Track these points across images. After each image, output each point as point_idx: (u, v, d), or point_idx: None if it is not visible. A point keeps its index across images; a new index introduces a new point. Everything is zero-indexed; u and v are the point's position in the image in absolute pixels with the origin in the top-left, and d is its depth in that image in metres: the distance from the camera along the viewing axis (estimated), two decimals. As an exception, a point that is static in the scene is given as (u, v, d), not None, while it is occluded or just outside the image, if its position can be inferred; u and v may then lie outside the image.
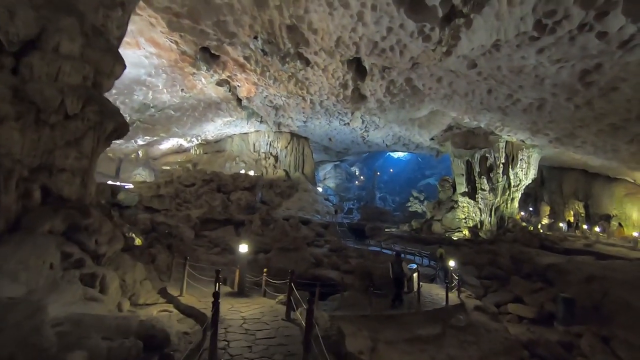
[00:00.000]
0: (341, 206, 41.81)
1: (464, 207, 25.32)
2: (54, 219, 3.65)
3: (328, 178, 59.65)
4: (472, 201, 24.72)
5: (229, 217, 23.76)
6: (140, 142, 35.09)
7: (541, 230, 25.07)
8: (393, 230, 29.27)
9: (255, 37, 18.61)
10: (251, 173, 34.34)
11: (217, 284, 4.38)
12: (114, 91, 26.06)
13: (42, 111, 3.59)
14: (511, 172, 23.61)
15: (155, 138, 35.52)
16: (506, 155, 23.71)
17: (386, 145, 40.24)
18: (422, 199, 47.25)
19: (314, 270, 16.85)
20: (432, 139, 30.54)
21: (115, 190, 13.62)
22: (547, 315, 11.73)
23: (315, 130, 37.05)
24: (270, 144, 39.59)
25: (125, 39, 21.16)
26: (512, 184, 23.58)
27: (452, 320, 8.25)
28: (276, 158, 39.23)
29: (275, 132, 38.87)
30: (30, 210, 3.66)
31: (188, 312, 5.60)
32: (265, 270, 7.45)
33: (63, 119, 3.72)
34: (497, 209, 23.93)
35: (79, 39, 3.82)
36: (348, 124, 33.01)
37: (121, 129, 4.31)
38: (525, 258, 17.33)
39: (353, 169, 67.62)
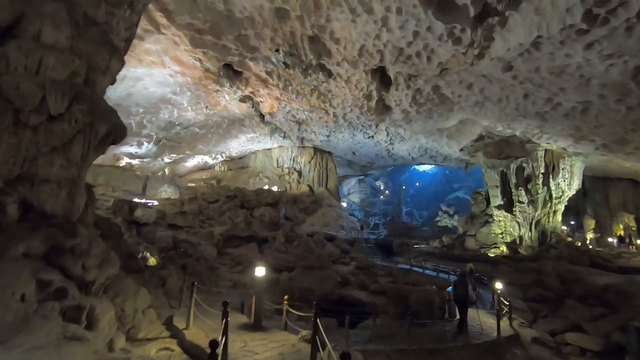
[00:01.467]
0: (367, 222, 40.55)
1: (500, 221, 23.60)
2: (32, 238, 3.07)
3: (352, 193, 58.57)
4: (509, 215, 22.99)
5: (252, 234, 23.23)
6: (166, 159, 35.69)
7: (590, 246, 22.88)
8: (422, 246, 27.74)
9: (277, 50, 18.38)
10: (275, 189, 33.96)
11: (225, 320, 3.63)
12: (140, 110, 26.69)
13: (20, 111, 3.08)
14: (552, 183, 21.82)
15: (181, 155, 36.05)
16: (546, 164, 22.01)
17: (412, 158, 38.94)
18: (451, 213, 45.21)
19: (341, 290, 15.81)
20: (461, 150, 29.14)
21: (133, 207, 13.37)
22: (616, 347, 10.07)
23: (338, 144, 36.44)
24: (293, 159, 39.28)
25: (151, 59, 21.66)
26: (554, 195, 21.77)
27: (507, 355, 6.98)
28: (300, 173, 38.79)
29: (298, 147, 38.60)
30: (3, 229, 3.12)
31: (192, 351, 4.79)
32: (286, 297, 6.51)
33: (46, 121, 3.17)
34: (537, 222, 22.09)
35: (66, 28, 3.32)
36: (372, 136, 32.20)
37: (117, 132, 3.71)
38: (575, 278, 15.54)
39: (378, 183, 66.23)
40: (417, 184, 73.57)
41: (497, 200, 24.19)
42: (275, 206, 28.63)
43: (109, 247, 6.06)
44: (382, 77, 20.11)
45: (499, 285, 9.50)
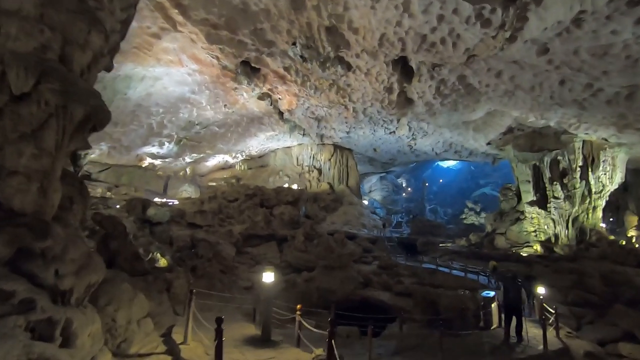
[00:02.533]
0: (389, 219, 39.51)
1: (532, 218, 22.13)
2: (-8, 241, 2.69)
3: (374, 190, 57.47)
4: (542, 211, 21.50)
5: (271, 233, 22.86)
6: (187, 159, 35.98)
7: (636, 245, 21.07)
8: (448, 245, 26.55)
9: (294, 44, 17.83)
10: (294, 187, 33.57)
11: (218, 341, 3.08)
12: (160, 110, 26.84)
13: (-24, 90, 2.69)
14: (591, 177, 20.18)
15: (201, 155, 36.26)
16: (584, 157, 20.38)
17: (436, 153, 37.57)
18: (478, 210, 43.40)
19: (363, 291, 15.15)
20: (488, 143, 27.68)
21: (146, 205, 13.22)
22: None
23: (359, 140, 35.61)
24: (313, 157, 38.75)
25: (169, 57, 21.61)
26: (594, 190, 20.13)
27: (557, 373, 6.06)
28: (320, 171, 38.22)
29: (318, 144, 38.03)
30: (-43, 231, 2.74)
31: (187, 373, 4.31)
32: (298, 307, 5.79)
33: (11, 102, 2.71)
34: (575, 219, 20.51)
35: (32, -7, 2.93)
36: (394, 132, 31.19)
37: (97, 117, 3.20)
38: (621, 279, 14.17)
39: (400, 180, 64.73)
40: (441, 180, 71.46)
41: (529, 196, 22.70)
42: (295, 204, 28.19)
43: (112, 248, 5.65)
44: (403, 68, 19.17)
45: (541, 290, 8.50)
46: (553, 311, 8.10)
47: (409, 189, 64.45)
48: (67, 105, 2.72)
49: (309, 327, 5.65)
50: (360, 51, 17.62)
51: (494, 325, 7.48)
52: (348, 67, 19.63)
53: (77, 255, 2.93)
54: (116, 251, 5.71)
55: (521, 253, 20.79)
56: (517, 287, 7.43)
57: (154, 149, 31.55)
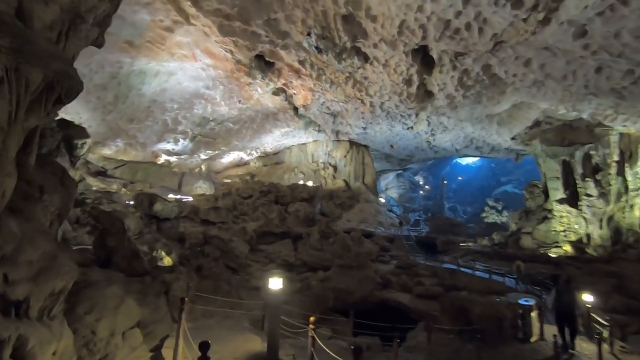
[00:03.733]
0: (407, 217, 38.47)
1: (562, 217, 20.81)
2: None
3: (390, 188, 56.36)
4: (573, 210, 20.15)
5: (286, 230, 22.36)
6: (203, 156, 35.93)
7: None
8: (470, 244, 25.43)
9: (309, 34, 17.15)
10: (310, 184, 32.99)
11: None
12: (175, 106, 26.69)
13: None
14: (629, 173, 18.71)
15: (216, 152, 36.15)
16: (621, 151, 18.90)
17: (456, 149, 36.26)
18: (499, 208, 41.79)
19: (381, 292, 14.42)
20: (513, 138, 26.33)
21: (152, 200, 12.85)
22: None
23: (375, 137, 34.72)
24: (328, 154, 38.09)
25: (182, 52, 21.31)
26: (631, 187, 18.68)
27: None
28: (335, 168, 37.53)
29: (333, 141, 37.34)
30: None
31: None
32: (312, 319, 4.98)
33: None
34: (610, 218, 19.12)
35: None
36: (412, 127, 30.17)
37: (62, 84, 2.63)
38: (666, 284, 12.95)
39: (417, 177, 63.32)
40: (460, 177, 69.58)
41: (558, 193, 21.36)
42: (310, 201, 27.62)
43: (109, 245, 5.13)
44: (424, 58, 18.23)
45: (588, 298, 7.51)
46: (606, 322, 7.10)
47: (427, 186, 62.98)
48: (20, 68, 2.18)
49: (324, 347, 4.88)
50: (378, 41, 16.80)
51: (534, 337, 6.63)
52: (365, 58, 18.83)
53: (36, 256, 2.39)
54: (113, 249, 5.22)
55: (550, 254, 19.57)
56: (570, 291, 6.53)
57: (169, 146, 31.56)
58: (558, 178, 21.49)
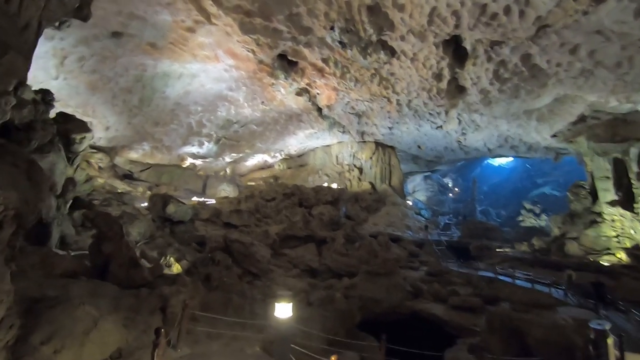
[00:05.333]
0: (436, 221, 36.73)
1: (614, 220, 18.79)
2: None
3: (418, 191, 54.50)
4: (627, 213, 18.12)
5: (310, 234, 21.58)
6: (227, 159, 35.94)
7: None
8: (507, 250, 23.63)
9: (332, 28, 16.41)
10: (334, 186, 32.13)
11: None
12: (199, 108, 26.69)
13: None
14: (693, 171, 16.64)
15: (241, 155, 36.07)
16: (684, 147, 16.88)
17: (488, 149, 34.23)
18: (537, 212, 39.16)
19: (412, 302, 13.31)
20: (554, 135, 24.32)
21: (166, 201, 12.38)
22: None
23: (402, 137, 33.41)
24: (353, 156, 37.11)
25: (205, 53, 21.11)
26: (697, 187, 16.57)
27: None
28: (360, 170, 36.49)
29: (358, 142, 36.36)
30: None
31: None
32: (333, 358, 4.05)
33: None
34: (671, 223, 17.03)
35: None
36: (441, 126, 28.73)
37: None
38: None
39: (446, 180, 61.00)
40: (493, 179, 66.43)
41: (608, 194, 19.34)
42: (335, 204, 26.75)
43: (106, 252, 4.52)
44: (456, 50, 17.03)
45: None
46: None
47: (456, 188, 60.52)
48: None
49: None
50: (406, 32, 15.79)
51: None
52: (392, 52, 17.84)
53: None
54: (110, 256, 4.59)
55: (600, 262, 17.65)
56: None
57: (194, 149, 31.70)
58: (608, 178, 19.47)
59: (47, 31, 16.33)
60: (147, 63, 20.50)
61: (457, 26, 14.27)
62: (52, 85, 19.61)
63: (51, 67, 18.51)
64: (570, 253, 19.80)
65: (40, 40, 17.23)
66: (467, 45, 16.06)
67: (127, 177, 27.81)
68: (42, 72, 18.76)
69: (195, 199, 26.80)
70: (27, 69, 6.26)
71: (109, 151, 26.10)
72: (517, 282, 15.57)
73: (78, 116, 22.42)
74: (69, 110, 21.82)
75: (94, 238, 4.75)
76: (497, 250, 23.63)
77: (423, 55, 17.63)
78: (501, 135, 29.04)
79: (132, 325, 3.46)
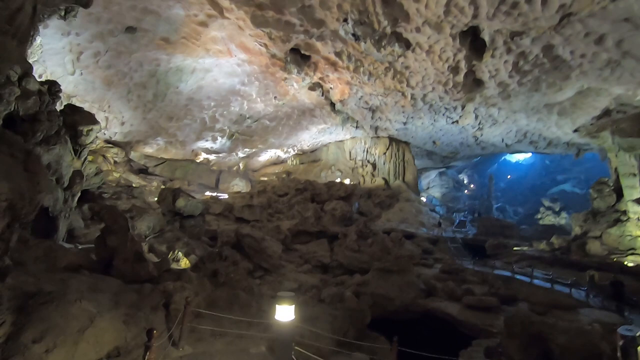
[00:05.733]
0: (451, 218, 36.07)
1: (639, 219, 17.97)
2: None
3: (432, 187, 53.68)
4: (654, 211, 17.31)
5: (322, 229, 21.45)
6: (240, 154, 36.07)
7: None
8: (525, 248, 22.93)
9: (345, 20, 16.06)
10: (347, 182, 31.86)
11: None
12: (212, 103, 26.75)
13: None
14: None
15: (254, 150, 36.14)
16: None
17: (506, 145, 33.30)
18: (557, 209, 38.03)
19: (425, 301, 13.02)
20: (576, 130, 23.42)
21: (176, 195, 12.35)
22: None
23: (417, 132, 32.80)
24: (367, 151, 36.76)
25: (217, 47, 21.08)
26: None
27: None
28: (374, 165, 36.11)
29: (372, 137, 35.97)
30: None
31: None
32: None
33: None
34: (703, 223, 16.12)
35: None
36: (457, 121, 28.08)
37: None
38: None
39: (461, 176, 59.88)
40: (509, 176, 64.88)
41: (635, 192, 18.47)
42: (347, 200, 26.53)
43: (111, 245, 4.44)
44: (473, 41, 16.45)
45: None
46: None
47: (472, 185, 59.36)
48: None
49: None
50: (422, 23, 15.31)
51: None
52: (407, 44, 17.38)
53: None
54: (114, 249, 4.51)
55: (625, 262, 16.90)
56: None
57: (208, 144, 31.90)
58: (635, 175, 18.60)
59: (63, 26, 16.56)
60: (160, 58, 20.60)
61: (475, 16, 13.74)
62: (70, 81, 19.98)
63: (68, 63, 18.78)
64: (592, 252, 19.06)
65: (57, 36, 17.55)
66: (486, 36, 15.48)
67: (142, 171, 28.20)
68: (59, 68, 19.08)
69: (208, 193, 26.99)
70: (24, 54, 6.18)
71: (124, 146, 26.48)
72: (536, 281, 15.08)
73: (94, 111, 22.95)
74: (85, 106, 22.24)
75: (100, 232, 4.69)
76: (514, 248, 22.98)
77: (439, 47, 17.11)
78: (520, 130, 28.18)
79: (132, 322, 3.36)
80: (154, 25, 17.80)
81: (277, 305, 3.53)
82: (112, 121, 24.06)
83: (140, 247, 4.79)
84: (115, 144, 26.02)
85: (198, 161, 33.38)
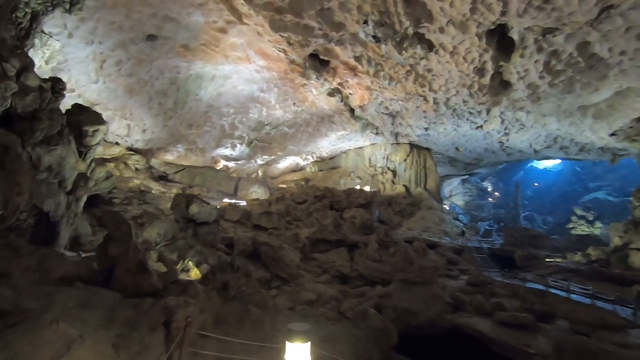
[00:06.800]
0: (476, 227, 34.63)
1: (689, 230, 16.47)
2: None
3: (455, 195, 52.09)
4: None
5: (341, 238, 20.80)
6: (259, 161, 36.04)
7: None
8: (558, 260, 21.50)
9: (365, 22, 15.64)
10: (367, 189, 31.15)
11: None
12: (231, 110, 26.80)
13: None
14: None
15: (272, 157, 36.04)
16: None
17: (534, 151, 31.79)
18: (590, 218, 35.86)
19: (452, 316, 12.13)
20: (613, 134, 21.98)
21: (190, 202, 12.04)
22: None
23: (439, 138, 31.83)
24: (387, 158, 35.96)
25: (236, 54, 21.07)
26: None
27: None
28: (394, 173, 35.24)
29: (392, 144, 35.18)
30: None
31: None
32: None
33: None
34: None
35: None
36: (481, 126, 27.02)
37: None
38: None
39: (485, 183, 57.91)
40: (536, 184, 62.26)
41: (682, 200, 17.00)
42: (367, 208, 25.79)
43: (112, 254, 4.03)
44: (501, 41, 15.66)
45: None
46: None
47: (496, 193, 57.27)
48: None
49: None
50: (446, 23, 14.69)
51: None
52: (429, 46, 16.76)
53: None
54: (116, 259, 4.11)
55: (674, 277, 15.40)
56: None
57: (227, 151, 31.99)
58: (682, 181, 17.10)
59: (86, 36, 16.88)
60: (180, 65, 20.76)
61: (503, 13, 13.01)
62: (93, 89, 20.38)
63: (91, 71, 19.15)
64: (636, 266, 17.56)
65: (81, 45, 17.90)
66: (515, 34, 14.69)
67: (162, 178, 28.47)
68: (84, 77, 19.49)
69: (226, 200, 26.92)
70: (23, 47, 5.92)
71: (145, 153, 26.82)
72: (573, 296, 13.90)
73: (117, 119, 23.35)
74: (108, 114, 22.69)
75: (102, 239, 4.33)
76: (546, 260, 21.57)
77: (464, 48, 16.40)
78: (549, 135, 26.79)
79: (123, 345, 2.92)
80: (174, 33, 17.94)
81: (287, 343, 2.86)
82: (133, 129, 24.41)
83: (143, 256, 4.39)
84: (136, 151, 26.40)
85: (217, 168, 33.52)
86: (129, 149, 25.94)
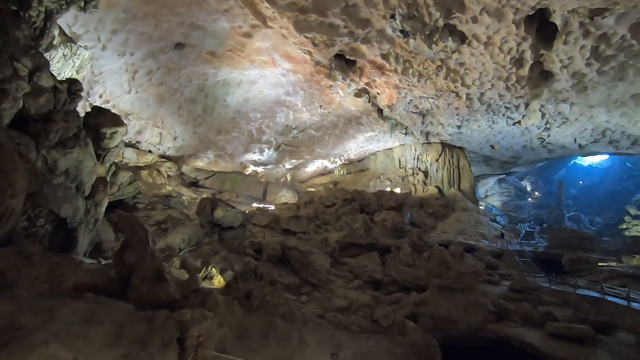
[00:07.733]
0: (516, 229, 32.62)
1: None
2: None
3: (491, 195, 49.63)
4: None
5: (372, 242, 20.14)
6: (287, 165, 36.06)
7: None
8: (613, 264, 19.62)
9: (392, 16, 15.03)
10: (397, 191, 30.22)
11: None
12: (258, 115, 26.93)
13: None
14: None
15: (300, 161, 35.94)
16: None
17: (579, 146, 29.52)
18: (646, 218, 32.81)
19: (496, 326, 11.18)
20: (672, 125, 19.93)
21: (215, 206, 11.84)
22: None
23: (472, 136, 30.38)
24: (417, 158, 34.81)
25: (262, 58, 21.06)
26: None
27: None
28: (426, 173, 34.02)
29: (423, 144, 34.04)
30: None
31: None
32: None
33: None
34: None
35: None
36: (519, 122, 25.47)
37: None
38: None
39: (523, 183, 54.80)
40: (581, 182, 58.18)
41: None
42: (398, 210, 24.92)
43: (129, 262, 3.76)
44: (541, 27, 14.53)
45: None
46: None
47: (536, 192, 54.01)
48: None
49: None
50: (479, 12, 13.81)
51: None
52: (461, 38, 15.87)
53: None
54: (132, 266, 3.84)
55: None
56: None
57: (255, 156, 32.23)
58: None
59: (119, 47, 17.44)
60: (208, 72, 21.06)
61: (544, -4, 12.00)
62: (126, 99, 21.07)
63: (124, 82, 19.80)
64: None
65: (114, 57, 18.51)
66: (557, 19, 13.55)
67: (193, 184, 29.05)
68: (117, 88, 20.21)
69: (255, 205, 27.00)
70: (38, 47, 5.86)
71: (177, 160, 27.48)
72: (634, 305, 12.48)
73: (149, 128, 24.06)
74: (141, 123, 23.45)
75: (119, 246, 4.11)
76: (599, 264, 19.75)
77: (500, 38, 15.38)
78: (597, 128, 24.74)
79: (129, 368, 2.60)
80: (200, 40, 18.19)
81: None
82: (165, 136, 25.06)
83: (160, 264, 4.10)
84: (168, 158, 27.11)
85: (246, 173, 33.86)
86: (162, 156, 26.68)
